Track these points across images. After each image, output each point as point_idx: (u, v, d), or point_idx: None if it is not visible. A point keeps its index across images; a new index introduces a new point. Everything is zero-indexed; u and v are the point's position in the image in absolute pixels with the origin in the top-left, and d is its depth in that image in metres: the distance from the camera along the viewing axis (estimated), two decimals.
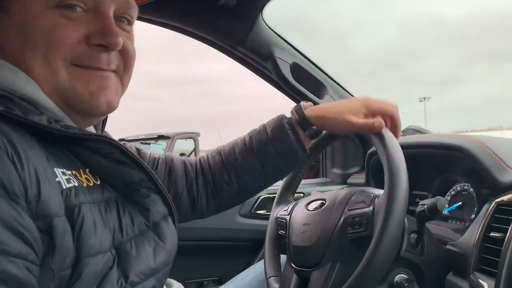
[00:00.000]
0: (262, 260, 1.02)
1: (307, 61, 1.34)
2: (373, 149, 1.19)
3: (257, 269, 1.14)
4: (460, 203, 1.00)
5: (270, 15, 1.21)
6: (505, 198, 0.77)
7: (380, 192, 0.78)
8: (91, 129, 0.65)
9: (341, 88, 1.41)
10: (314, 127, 0.83)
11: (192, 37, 1.23)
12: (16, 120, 0.47)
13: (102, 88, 0.56)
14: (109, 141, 0.55)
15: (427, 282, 0.78)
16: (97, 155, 0.54)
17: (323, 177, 1.61)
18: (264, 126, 0.86)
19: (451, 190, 1.05)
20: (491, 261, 0.72)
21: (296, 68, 1.30)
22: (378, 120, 0.78)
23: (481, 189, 0.94)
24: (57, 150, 0.52)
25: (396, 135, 0.81)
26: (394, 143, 0.74)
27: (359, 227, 0.75)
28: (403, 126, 0.90)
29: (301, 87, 1.31)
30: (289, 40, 1.30)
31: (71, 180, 0.50)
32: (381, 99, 0.83)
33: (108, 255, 0.50)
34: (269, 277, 0.94)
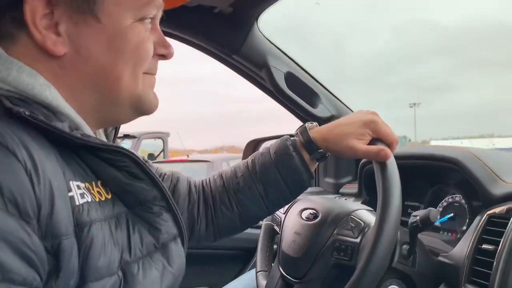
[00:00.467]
0: (254, 269, 1.02)
1: (301, 70, 1.34)
2: (366, 160, 1.19)
3: (248, 278, 1.14)
4: (452, 214, 1.01)
5: (265, 24, 1.22)
6: (496, 210, 0.77)
7: (370, 220, 0.79)
8: (102, 137, 0.64)
9: (335, 98, 1.41)
10: (321, 150, 0.77)
11: (186, 44, 1.23)
12: (37, 126, 0.45)
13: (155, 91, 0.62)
14: (127, 153, 0.52)
15: None
16: (112, 167, 0.52)
17: (315, 186, 1.60)
18: (267, 149, 0.81)
19: (443, 201, 1.05)
20: (483, 274, 0.72)
21: (290, 77, 1.31)
22: (385, 149, 0.71)
23: (473, 201, 0.95)
24: (72, 159, 0.50)
25: None
26: (394, 176, 0.70)
27: (344, 255, 0.76)
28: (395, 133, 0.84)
29: (295, 96, 1.32)
30: (283, 49, 1.30)
31: (85, 195, 0.48)
32: (386, 124, 0.77)
33: (114, 278, 0.48)
34: (259, 271, 0.95)
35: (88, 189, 0.49)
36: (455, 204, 1.02)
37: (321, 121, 1.36)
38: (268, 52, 1.26)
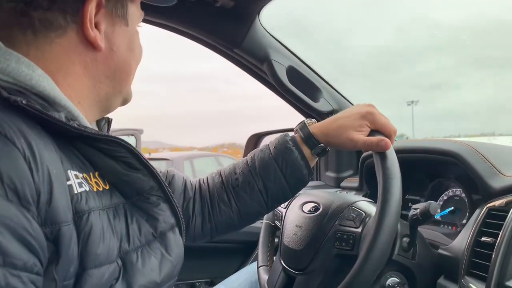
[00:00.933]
0: (255, 262, 1.03)
1: (303, 64, 1.34)
2: (367, 153, 1.19)
3: (249, 271, 1.14)
4: (452, 208, 1.01)
5: (267, 18, 1.21)
6: (496, 203, 0.77)
7: (371, 210, 0.80)
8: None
9: (336, 92, 1.42)
10: (321, 145, 0.78)
11: (188, 38, 1.23)
12: (34, 116, 0.47)
13: None
14: (124, 144, 0.54)
15: (419, 286, 0.79)
16: (109, 158, 0.54)
17: (316, 180, 1.61)
18: (267, 145, 0.82)
19: (443, 195, 1.06)
20: (482, 266, 0.73)
21: (292, 71, 1.31)
22: (385, 139, 0.73)
23: (473, 194, 0.95)
24: (69, 151, 0.51)
25: None
26: (394, 166, 0.71)
27: (346, 245, 0.77)
28: None
29: (296, 90, 1.32)
30: (285, 43, 1.30)
31: (83, 184, 0.49)
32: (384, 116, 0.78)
33: (114, 266, 0.49)
34: (260, 266, 0.96)
35: (86, 179, 0.50)
36: (455, 197, 1.03)
37: (322, 115, 1.37)
38: (270, 46, 1.26)
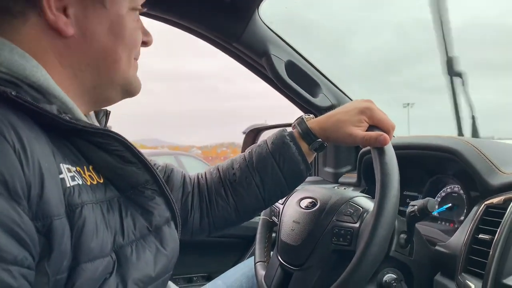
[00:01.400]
0: (252, 258, 1.03)
1: (302, 59, 1.34)
2: (365, 149, 1.19)
3: (246, 265, 1.14)
4: (450, 204, 1.01)
5: (266, 12, 1.21)
6: (494, 200, 0.77)
7: (369, 205, 0.79)
8: (95, 122, 0.65)
9: (335, 88, 1.41)
10: (319, 140, 0.78)
11: (187, 31, 1.22)
12: (25, 108, 0.46)
13: None
14: (117, 137, 0.53)
15: (416, 282, 0.78)
16: (102, 151, 0.53)
17: (315, 175, 1.61)
18: (264, 141, 0.81)
19: (441, 191, 1.06)
20: (479, 263, 0.72)
21: (291, 66, 1.30)
22: (383, 134, 0.72)
23: (471, 191, 0.95)
24: (62, 144, 0.50)
25: None
26: (392, 162, 0.71)
27: (344, 240, 0.77)
28: None
29: (295, 85, 1.31)
30: (284, 38, 1.29)
31: (76, 178, 0.48)
32: (382, 111, 0.78)
33: (108, 260, 0.48)
34: (257, 262, 0.96)
35: (79, 173, 0.50)
36: (453, 194, 1.03)
37: (321, 110, 1.36)
38: (269, 40, 1.25)
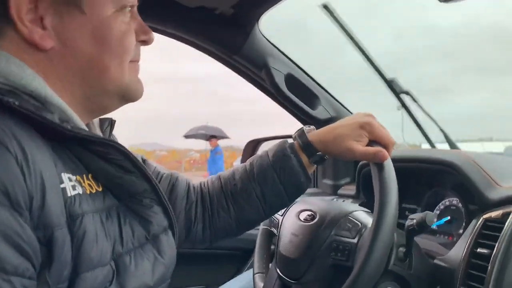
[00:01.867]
0: (251, 270, 1.02)
1: (301, 71, 1.35)
2: (364, 162, 1.19)
3: (245, 278, 1.14)
4: (449, 217, 1.01)
5: (266, 25, 1.22)
6: (492, 214, 0.78)
7: (367, 221, 0.80)
8: (98, 132, 0.65)
9: (334, 100, 1.42)
10: (320, 153, 0.78)
11: (187, 44, 1.24)
12: (26, 118, 0.46)
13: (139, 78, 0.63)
14: (117, 146, 0.53)
15: None
16: (102, 160, 0.53)
17: (314, 187, 1.61)
18: (266, 152, 0.81)
19: (440, 204, 1.06)
20: (478, 277, 0.72)
21: (290, 79, 1.31)
22: (382, 150, 0.72)
23: (470, 204, 0.95)
24: (63, 153, 0.50)
25: None
26: (391, 177, 0.71)
27: (342, 255, 0.77)
28: None
29: (294, 97, 1.32)
30: (284, 51, 1.31)
31: (76, 187, 0.49)
32: (383, 126, 0.78)
33: (107, 269, 0.49)
34: (256, 273, 0.96)
35: (79, 182, 0.50)
36: (452, 207, 1.03)
37: (320, 122, 1.37)
38: (268, 53, 1.26)
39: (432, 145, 1.28)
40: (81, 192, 0.49)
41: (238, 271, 1.46)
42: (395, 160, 0.76)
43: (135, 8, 0.60)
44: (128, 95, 0.60)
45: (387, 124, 0.79)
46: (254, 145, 1.72)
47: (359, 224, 0.79)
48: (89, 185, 0.52)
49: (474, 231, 0.79)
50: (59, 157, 0.49)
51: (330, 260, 0.78)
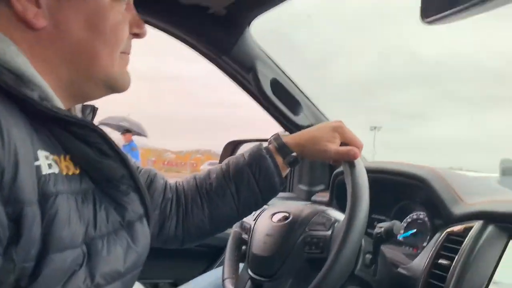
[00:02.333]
0: (221, 267, 1.03)
1: (287, 78, 1.38)
2: (339, 169, 1.23)
3: (214, 274, 1.15)
4: (415, 230, 1.05)
5: (257, 29, 1.24)
6: (455, 228, 0.82)
7: (340, 217, 0.83)
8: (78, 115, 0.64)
9: (316, 109, 1.45)
10: (294, 154, 0.81)
11: (178, 40, 1.25)
12: (5, 93, 0.46)
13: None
14: (97, 129, 0.53)
15: None
16: (81, 142, 0.52)
17: (289, 192, 1.64)
18: (242, 154, 0.84)
19: (407, 217, 1.10)
20: (437, 287, 0.76)
21: (275, 84, 1.34)
22: (354, 149, 0.79)
23: (435, 219, 1.00)
24: (41, 131, 0.50)
25: None
26: (363, 175, 0.76)
27: (316, 248, 0.79)
28: None
29: (278, 102, 1.35)
30: (271, 56, 1.33)
31: (52, 166, 0.48)
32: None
33: (78, 252, 0.48)
34: (225, 279, 0.96)
35: (56, 162, 0.49)
36: (418, 221, 1.07)
37: (301, 128, 1.40)
38: (257, 57, 1.28)
39: None
40: (56, 172, 0.48)
41: (207, 268, 1.46)
42: (368, 171, 0.80)
43: (131, 0, 0.61)
44: (115, 85, 0.60)
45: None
46: (233, 146, 1.74)
47: (332, 218, 0.82)
48: (66, 166, 0.51)
49: (437, 243, 0.83)
50: (37, 135, 0.48)
51: (305, 255, 0.80)
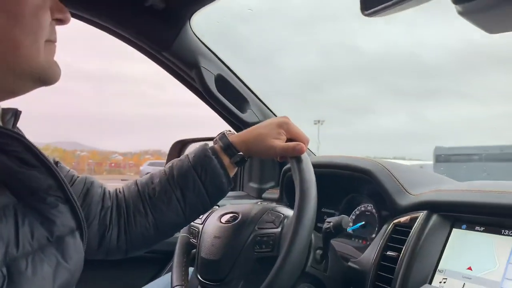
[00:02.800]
0: (170, 273, 0.99)
1: (232, 74, 1.35)
2: (288, 165, 1.22)
3: (163, 281, 1.11)
4: (363, 222, 1.07)
5: (198, 24, 1.20)
6: (401, 219, 0.83)
7: (290, 213, 0.81)
8: None
9: (263, 105, 1.44)
10: (240, 153, 0.79)
11: (114, 36, 1.17)
12: None
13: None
14: (17, 137, 0.48)
15: None
16: None
17: (239, 190, 1.61)
18: (186, 155, 0.80)
19: (356, 209, 1.11)
20: (386, 278, 0.77)
21: (220, 80, 1.30)
22: (300, 144, 0.78)
23: (382, 210, 1.01)
24: None
25: None
26: (310, 170, 0.76)
27: (266, 247, 0.77)
28: None
29: (224, 99, 1.31)
30: (215, 52, 1.30)
31: None
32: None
33: None
34: (175, 286, 0.92)
35: None
36: (366, 212, 1.09)
37: (249, 125, 1.37)
38: (199, 52, 1.24)
39: None
40: None
41: (157, 274, 1.41)
42: (316, 166, 0.79)
43: None
44: (44, 77, 0.55)
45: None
46: (180, 146, 1.68)
47: (282, 215, 0.81)
48: None
49: (384, 235, 0.84)
50: None
51: (255, 255, 0.78)
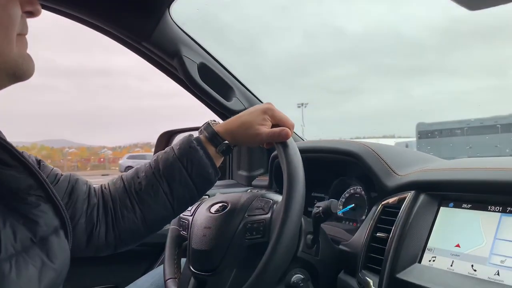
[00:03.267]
0: (162, 265, 0.99)
1: (215, 62, 1.33)
2: (276, 152, 1.22)
3: (156, 274, 1.10)
4: (353, 205, 1.07)
5: (178, 12, 1.17)
6: (390, 200, 0.83)
7: (279, 198, 0.81)
8: None
9: (248, 92, 1.42)
10: (226, 142, 0.79)
11: (92, 28, 1.14)
12: None
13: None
14: None
15: (321, 281, 0.82)
16: None
17: (229, 179, 1.61)
18: (170, 147, 0.79)
19: (345, 192, 1.12)
20: (377, 260, 0.78)
21: (203, 69, 1.28)
22: (285, 129, 0.77)
23: (371, 192, 1.02)
24: None
25: None
26: (296, 154, 0.75)
27: (257, 233, 0.77)
28: None
29: (208, 88, 1.29)
30: (197, 40, 1.27)
31: None
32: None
33: None
34: (167, 279, 0.92)
35: None
36: (356, 195, 1.09)
37: (235, 113, 1.36)
38: (180, 41, 1.22)
39: None
40: None
41: (150, 267, 1.41)
42: (304, 151, 0.79)
43: None
44: (19, 71, 0.54)
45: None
46: (167, 137, 1.66)
47: (271, 201, 0.81)
48: None
49: (374, 216, 0.84)
50: None
51: (246, 242, 0.78)
